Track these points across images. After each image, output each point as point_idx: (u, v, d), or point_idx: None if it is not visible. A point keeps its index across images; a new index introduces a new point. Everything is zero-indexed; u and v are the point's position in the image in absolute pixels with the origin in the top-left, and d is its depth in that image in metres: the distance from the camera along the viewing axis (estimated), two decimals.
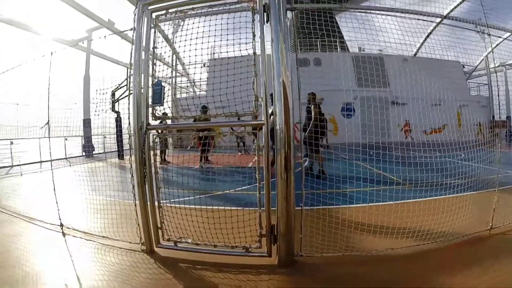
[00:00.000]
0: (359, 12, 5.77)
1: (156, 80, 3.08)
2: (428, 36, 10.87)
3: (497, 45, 6.06)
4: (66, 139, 10.89)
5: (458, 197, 4.12)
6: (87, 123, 11.67)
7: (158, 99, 3.05)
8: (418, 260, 2.88)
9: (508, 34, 11.15)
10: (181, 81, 16.71)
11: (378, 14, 5.03)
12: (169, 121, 4.17)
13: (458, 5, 13.25)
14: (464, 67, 17.64)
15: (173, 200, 3.25)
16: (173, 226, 3.07)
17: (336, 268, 2.70)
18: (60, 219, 3.72)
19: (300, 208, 2.75)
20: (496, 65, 14.41)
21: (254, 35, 2.73)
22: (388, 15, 4.52)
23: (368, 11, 5.63)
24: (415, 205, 3.94)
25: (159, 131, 3.18)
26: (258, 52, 2.70)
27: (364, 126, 4.43)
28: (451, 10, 12.98)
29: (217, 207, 3.15)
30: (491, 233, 3.41)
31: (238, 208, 3.24)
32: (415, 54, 14.30)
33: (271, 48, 2.61)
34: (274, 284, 2.46)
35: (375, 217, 3.49)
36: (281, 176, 2.50)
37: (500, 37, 11.82)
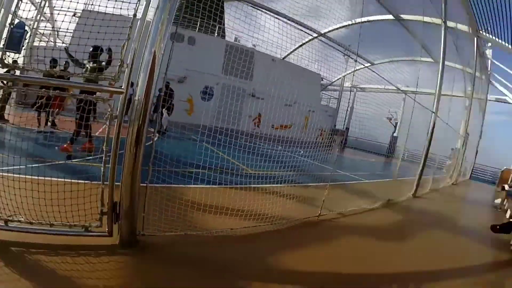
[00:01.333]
0: (250, 6, 5.97)
1: (18, 21, 2.41)
2: (301, 45, 12.21)
3: (357, 70, 7.33)
4: None
5: (294, 187, 4.86)
6: None
7: (17, 44, 2.47)
8: (254, 240, 3.28)
9: (367, 64, 13.79)
10: (45, 27, 13.44)
11: (265, 13, 5.34)
12: (18, 72, 3.34)
13: (336, 29, 15.50)
14: (322, 79, 20.83)
15: (3, 169, 2.60)
16: (4, 202, 2.48)
17: (178, 248, 2.77)
18: None
19: (145, 185, 2.66)
20: (349, 85, 17.59)
21: None
22: (273, 16, 4.85)
23: (257, 7, 5.91)
24: (255, 190, 4.41)
25: (4, 83, 2.51)
26: (139, 16, 2.46)
27: (220, 111, 4.64)
28: (329, 31, 15.03)
29: (56, 179, 2.69)
30: (319, 219, 4.25)
31: (79, 181, 2.84)
32: (284, 58, 15.85)
33: (154, 15, 2.45)
34: (114, 265, 2.33)
35: (217, 199, 3.70)
36: (130, 149, 2.35)
37: (363, 64, 14.42)
